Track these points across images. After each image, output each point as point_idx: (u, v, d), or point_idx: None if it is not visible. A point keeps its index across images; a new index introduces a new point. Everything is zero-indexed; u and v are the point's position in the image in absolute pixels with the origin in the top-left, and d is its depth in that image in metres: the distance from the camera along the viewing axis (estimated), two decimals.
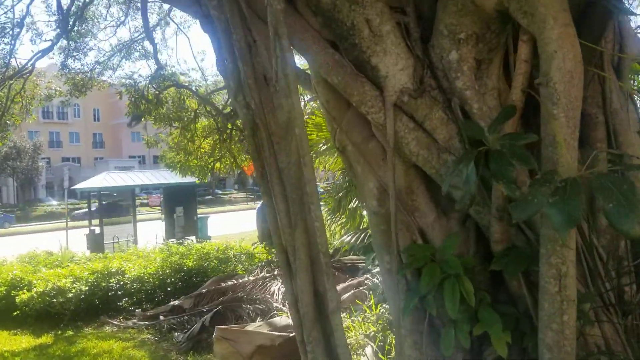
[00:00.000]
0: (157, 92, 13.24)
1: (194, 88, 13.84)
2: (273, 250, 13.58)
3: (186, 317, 8.97)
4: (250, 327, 6.46)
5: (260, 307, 7.58)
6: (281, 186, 3.03)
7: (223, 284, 9.70)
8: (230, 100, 12.41)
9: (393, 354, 5.35)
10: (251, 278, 9.20)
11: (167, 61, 14.56)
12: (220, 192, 64.55)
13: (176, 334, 8.66)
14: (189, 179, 18.46)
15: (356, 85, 3.02)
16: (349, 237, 9.32)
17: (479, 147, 2.87)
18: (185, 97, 13.75)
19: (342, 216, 10.30)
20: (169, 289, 11.04)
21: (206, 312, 8.71)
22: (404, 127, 3.00)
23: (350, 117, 3.26)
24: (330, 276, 2.86)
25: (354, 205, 10.11)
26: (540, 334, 2.65)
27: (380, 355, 5.22)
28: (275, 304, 7.39)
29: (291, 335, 5.66)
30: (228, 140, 15.13)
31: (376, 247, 3.35)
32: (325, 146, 9.76)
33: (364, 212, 10.53)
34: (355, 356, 5.56)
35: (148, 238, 19.03)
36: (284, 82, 2.82)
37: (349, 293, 7.08)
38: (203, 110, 15.16)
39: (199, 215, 22.49)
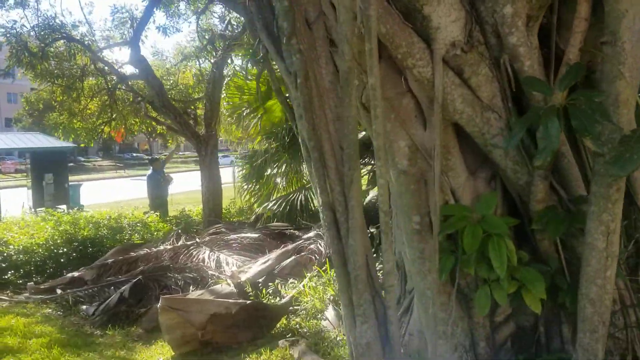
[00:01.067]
0: (43, 45, 11.95)
1: (86, 42, 12.61)
2: (169, 218, 13.06)
3: (95, 289, 8.32)
4: (192, 295, 6.12)
5: (190, 275, 7.19)
6: (330, 142, 2.83)
7: (133, 254, 9.09)
8: (130, 58, 11.60)
9: None
10: (167, 246, 8.71)
11: (49, 11, 13.00)
12: (82, 159, 60.59)
13: (84, 307, 8.01)
14: (63, 142, 17.05)
15: (404, 36, 2.88)
16: (271, 204, 9.17)
17: (520, 107, 2.89)
18: (75, 51, 12.53)
19: (256, 184, 10.09)
20: (61, 260, 10.18)
21: (118, 283, 8.15)
22: (450, 83, 2.92)
23: (383, 71, 3.12)
24: (388, 236, 2.73)
25: (271, 172, 9.97)
26: (584, 289, 2.73)
27: None
28: (210, 272, 7.05)
29: (248, 302, 5.45)
30: (118, 102, 14.16)
31: (402, 207, 3.27)
32: (248, 110, 9.47)
33: (278, 180, 10.42)
34: (314, 320, 5.49)
35: (7, 207, 17.32)
36: (346, 27, 2.61)
37: (290, 259, 6.94)
38: (91, 68, 14.00)
39: (70, 183, 20.97)
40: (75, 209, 16.77)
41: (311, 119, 2.82)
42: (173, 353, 5.39)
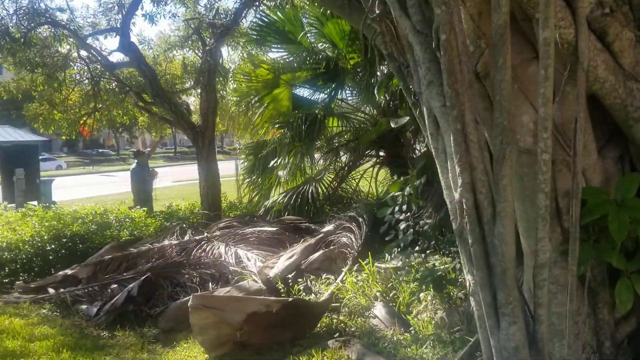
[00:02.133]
0: (25, 30, 11.23)
1: (72, 28, 11.90)
2: (155, 214, 12.50)
3: (96, 287, 7.79)
4: (221, 293, 5.67)
5: (208, 271, 6.73)
6: (472, 111, 2.45)
7: (133, 250, 8.56)
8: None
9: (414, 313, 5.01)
10: (173, 242, 8.20)
11: None
12: (47, 155, 58.84)
13: (83, 307, 7.49)
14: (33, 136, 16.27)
15: None
16: (281, 197, 8.76)
17: None
18: (61, 38, 11.82)
19: (261, 176, 9.65)
20: (49, 257, 9.59)
21: (122, 281, 7.64)
22: (592, 48, 2.58)
23: None
24: (547, 223, 2.36)
25: (281, 163, 9.55)
26: None
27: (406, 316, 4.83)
28: (231, 268, 6.59)
29: (290, 300, 5.04)
30: (102, 93, 13.50)
31: (522, 191, 2.90)
32: (256, 98, 9.02)
33: (281, 172, 10.01)
34: (361, 319, 5.11)
35: None
36: None
37: (317, 253, 6.54)
38: (73, 56, 13.30)
39: (42, 178, 20.17)
40: (48, 205, 16.09)
41: (454, 83, 2.43)
42: (207, 355, 4.94)
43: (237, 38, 11.35)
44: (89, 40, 12.56)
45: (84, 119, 14.11)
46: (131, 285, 7.06)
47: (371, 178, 10.79)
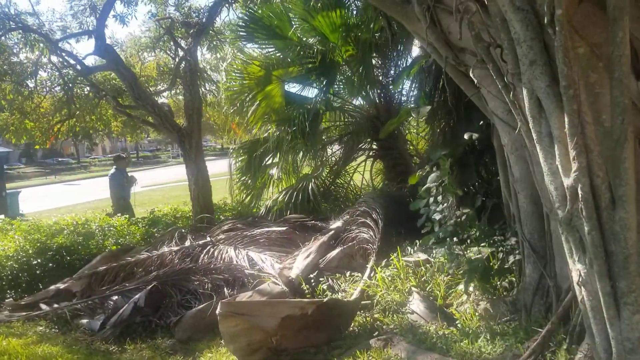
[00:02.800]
0: None
1: (44, 32, 11.39)
2: (136, 220, 12.12)
3: (96, 300, 7.46)
4: (242, 298, 5.45)
5: (220, 277, 6.48)
6: (587, 90, 2.30)
7: (130, 259, 8.23)
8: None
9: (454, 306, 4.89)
10: (173, 248, 7.92)
11: None
12: (6, 167, 56.98)
13: (84, 321, 7.16)
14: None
15: None
16: (282, 196, 8.56)
17: None
18: (33, 43, 11.29)
19: (256, 175, 9.42)
20: (36, 271, 9.18)
21: (125, 292, 7.33)
22: None
23: (586, 11, 2.63)
24: None
25: (280, 161, 9.34)
26: None
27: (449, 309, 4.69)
28: (247, 271, 6.36)
29: (325, 300, 4.86)
30: (75, 99, 13.00)
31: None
32: (250, 95, 8.78)
33: (272, 171, 9.79)
34: (397, 315, 4.95)
35: None
36: None
37: (335, 251, 6.36)
38: (42, 61, 12.75)
39: (8, 191, 19.49)
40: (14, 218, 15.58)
41: (567, 59, 2.28)
42: None
43: (223, 36, 11.01)
44: (61, 45, 12.04)
45: (57, 126, 13.55)
46: (137, 296, 6.77)
47: (363, 172, 10.68)
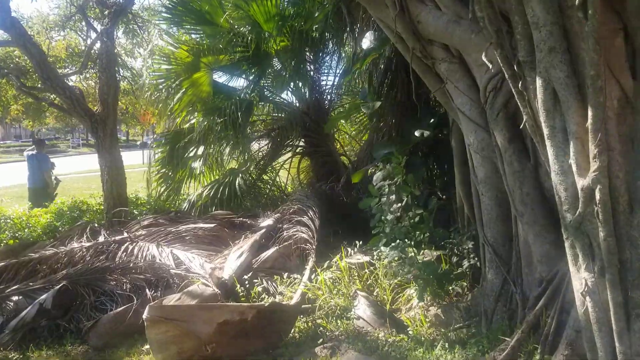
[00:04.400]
0: None
1: None
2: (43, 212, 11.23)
3: None
4: (169, 301, 4.95)
5: (141, 276, 5.90)
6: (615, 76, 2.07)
7: (34, 255, 7.40)
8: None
9: (403, 311, 4.66)
10: (84, 244, 7.20)
11: None
12: None
13: None
14: None
15: None
16: (206, 190, 8.06)
17: None
18: None
19: (177, 168, 8.84)
20: None
21: (28, 292, 6.55)
22: None
23: None
24: None
25: (193, 154, 8.81)
26: None
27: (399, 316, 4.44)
28: (173, 271, 5.81)
29: (266, 305, 4.48)
30: None
31: None
32: (176, 82, 8.18)
33: (195, 164, 9.26)
34: (343, 320, 4.64)
35: None
36: None
37: (270, 250, 5.96)
38: None
39: None
40: None
41: (598, 47, 2.05)
42: None
43: (149, 17, 10.27)
44: None
45: None
46: (43, 297, 6.05)
47: (289, 169, 10.35)
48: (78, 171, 33.87)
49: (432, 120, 5.01)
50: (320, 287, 4.98)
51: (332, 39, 8.53)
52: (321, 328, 4.58)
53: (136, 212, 10.09)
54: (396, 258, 4.62)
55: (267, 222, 6.91)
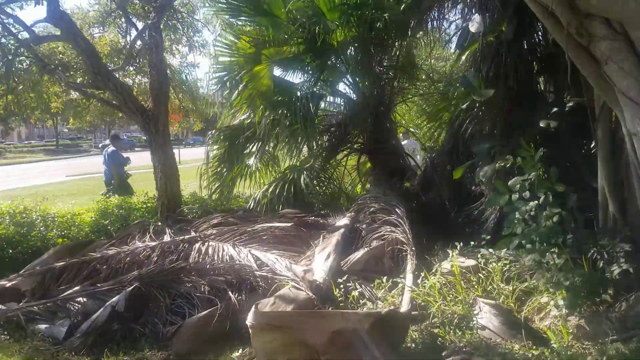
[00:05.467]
0: None
1: None
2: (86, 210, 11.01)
3: (59, 302, 6.34)
4: (264, 306, 4.58)
5: (221, 278, 5.54)
6: None
7: (95, 254, 7.11)
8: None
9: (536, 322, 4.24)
10: (150, 243, 6.89)
11: None
12: None
13: (42, 326, 6.06)
14: None
15: None
16: (271, 188, 7.70)
17: None
18: None
19: (235, 165, 8.49)
20: None
21: (96, 293, 6.25)
22: None
23: None
24: None
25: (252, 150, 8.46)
26: None
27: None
28: (258, 273, 5.44)
29: (383, 312, 4.08)
30: (15, 73, 11.48)
31: None
32: (239, 75, 7.84)
33: (250, 161, 8.92)
34: (465, 331, 4.23)
35: None
36: None
37: (360, 252, 5.56)
38: None
39: None
40: None
41: None
42: None
43: (210, 7, 9.88)
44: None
45: None
46: (115, 299, 5.73)
47: (345, 166, 9.96)
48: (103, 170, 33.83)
49: (554, 110, 4.56)
50: (430, 293, 4.57)
51: (397, 28, 8.09)
52: (439, 338, 4.17)
53: (186, 211, 9.79)
54: (535, 261, 4.19)
55: (343, 221, 6.52)
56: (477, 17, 5.25)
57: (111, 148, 12.77)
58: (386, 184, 7.89)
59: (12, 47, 11.45)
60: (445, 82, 9.03)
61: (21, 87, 11.31)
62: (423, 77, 9.83)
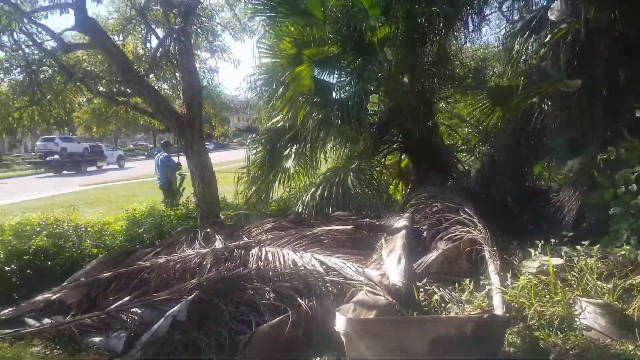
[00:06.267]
0: None
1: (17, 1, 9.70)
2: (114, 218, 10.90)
3: (112, 313, 6.16)
4: (345, 312, 4.37)
5: (286, 284, 5.33)
6: None
7: (144, 263, 6.93)
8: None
9: None
10: (201, 250, 6.70)
11: None
12: None
13: (97, 339, 5.87)
14: None
15: None
16: (320, 190, 7.50)
17: None
18: (1, 14, 9.54)
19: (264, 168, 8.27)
20: (12, 279, 7.80)
21: (153, 304, 6.07)
22: None
23: None
24: None
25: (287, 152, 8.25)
26: None
27: None
28: (328, 278, 5.22)
29: (485, 317, 3.87)
30: (41, 83, 11.34)
31: None
32: (283, 76, 7.65)
33: (288, 163, 8.73)
34: (569, 332, 3.99)
35: None
36: None
37: (434, 254, 5.34)
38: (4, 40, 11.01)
39: None
40: None
41: None
42: None
43: (245, 9, 9.73)
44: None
45: (15, 114, 11.78)
46: (176, 308, 5.52)
47: (383, 165, 9.72)
48: (118, 179, 33.89)
49: None
50: (521, 294, 4.35)
51: (443, 22, 7.89)
52: (541, 341, 3.95)
53: (222, 217, 9.60)
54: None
55: (401, 222, 6.30)
56: (557, 4, 5.05)
57: (164, 154, 13.30)
58: (438, 183, 7.67)
59: (36, 57, 11.32)
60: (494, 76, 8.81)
61: (49, 96, 11.12)
62: (464, 72, 9.60)
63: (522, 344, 3.98)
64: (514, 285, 4.41)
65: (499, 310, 4.05)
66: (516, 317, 4.27)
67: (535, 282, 4.39)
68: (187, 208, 10.60)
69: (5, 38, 10.99)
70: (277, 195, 9.68)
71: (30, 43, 11.08)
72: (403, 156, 9.51)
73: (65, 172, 42.37)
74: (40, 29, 10.56)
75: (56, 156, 43.26)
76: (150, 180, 30.46)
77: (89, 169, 45.68)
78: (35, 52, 11.27)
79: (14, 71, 11.76)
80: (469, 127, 9.64)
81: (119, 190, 25.77)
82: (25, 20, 9.87)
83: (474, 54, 14.06)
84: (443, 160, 8.68)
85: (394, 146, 9.31)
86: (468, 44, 9.38)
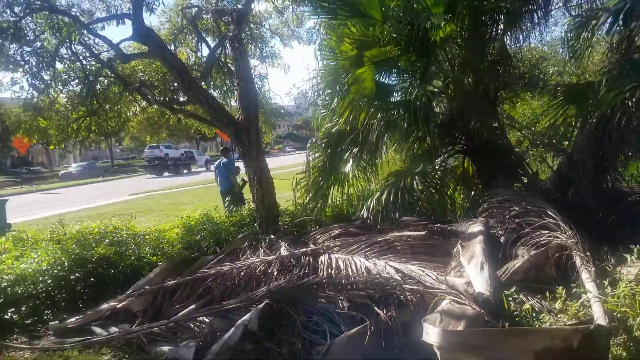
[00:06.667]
0: (17, 17, 9.16)
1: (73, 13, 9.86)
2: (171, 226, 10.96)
3: (182, 322, 6.08)
4: (431, 322, 4.14)
5: (361, 293, 5.13)
6: None
7: (209, 270, 6.85)
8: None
9: None
10: (267, 257, 6.57)
11: None
12: None
13: (165, 349, 5.78)
14: None
15: None
16: (385, 195, 7.28)
17: None
18: (61, 26, 9.72)
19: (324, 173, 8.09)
20: (77, 288, 7.80)
21: (221, 312, 5.96)
22: None
23: None
24: None
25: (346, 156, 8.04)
26: None
27: None
28: (408, 286, 5.00)
29: (593, 328, 3.58)
30: (98, 93, 11.47)
31: None
32: (345, 79, 7.48)
33: (347, 168, 8.55)
34: None
35: None
36: None
37: (519, 261, 5.05)
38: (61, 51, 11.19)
39: None
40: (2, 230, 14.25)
41: None
42: None
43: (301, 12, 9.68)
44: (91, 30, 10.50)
45: (73, 125, 11.97)
46: (247, 317, 5.39)
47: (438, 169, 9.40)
48: (164, 187, 34.36)
49: None
50: (623, 302, 4.04)
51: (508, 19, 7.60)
52: None
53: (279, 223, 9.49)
54: None
55: (476, 227, 6.02)
56: None
57: (224, 159, 13.83)
58: (507, 186, 7.35)
59: (94, 68, 11.47)
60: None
61: (107, 106, 11.26)
62: (528, 69, 9.24)
63: (627, 356, 3.68)
64: (613, 293, 4.10)
65: (601, 320, 3.75)
66: (619, 328, 3.96)
67: (638, 289, 4.08)
68: (241, 215, 10.55)
69: (63, 50, 11.20)
70: (332, 201, 9.51)
71: (87, 54, 11.27)
72: (465, 159, 9.17)
73: (166, 173, 50.68)
74: (97, 40, 10.68)
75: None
76: (194, 188, 30.87)
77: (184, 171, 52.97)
78: (92, 63, 11.44)
79: (72, 82, 12.00)
80: (539, 127, 9.24)
81: (167, 198, 26.06)
82: (84, 32, 9.99)
83: (530, 52, 13.63)
84: (510, 162, 8.32)
85: (457, 148, 9.00)
86: (532, 42, 8.99)
